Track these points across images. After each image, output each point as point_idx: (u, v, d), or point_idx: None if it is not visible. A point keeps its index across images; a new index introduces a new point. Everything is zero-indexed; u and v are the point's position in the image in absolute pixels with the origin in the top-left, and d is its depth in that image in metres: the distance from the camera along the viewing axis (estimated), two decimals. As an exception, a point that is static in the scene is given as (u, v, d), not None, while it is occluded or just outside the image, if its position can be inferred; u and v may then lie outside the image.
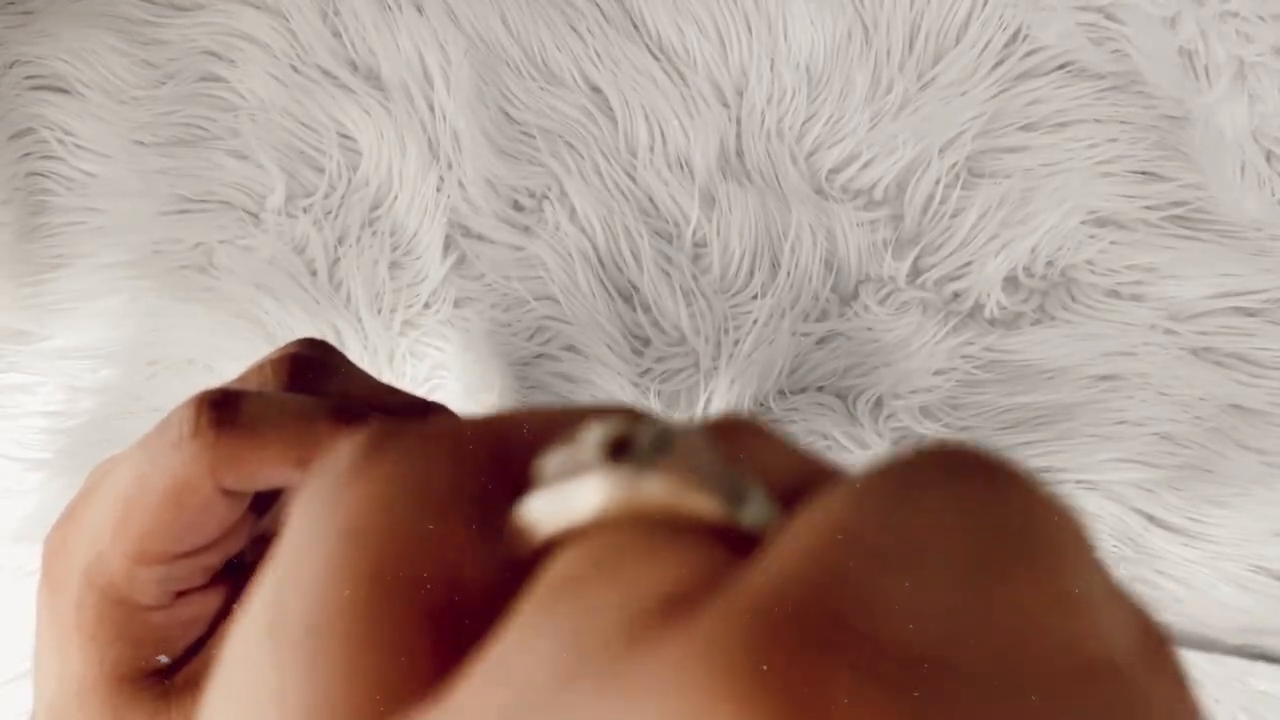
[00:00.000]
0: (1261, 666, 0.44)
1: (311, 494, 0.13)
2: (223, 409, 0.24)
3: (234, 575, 0.27)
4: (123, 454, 0.25)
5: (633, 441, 0.13)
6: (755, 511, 0.12)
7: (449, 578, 0.13)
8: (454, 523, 0.13)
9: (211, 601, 0.26)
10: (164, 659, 0.25)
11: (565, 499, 0.12)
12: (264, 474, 0.24)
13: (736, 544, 0.12)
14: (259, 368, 0.27)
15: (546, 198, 0.46)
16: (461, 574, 0.13)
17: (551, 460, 0.13)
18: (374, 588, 0.12)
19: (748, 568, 0.11)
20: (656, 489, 0.12)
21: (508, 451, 0.14)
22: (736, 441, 0.15)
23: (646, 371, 0.45)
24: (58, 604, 0.25)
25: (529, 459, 0.14)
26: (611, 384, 0.45)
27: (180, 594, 0.26)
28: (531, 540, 0.13)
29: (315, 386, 0.27)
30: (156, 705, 0.25)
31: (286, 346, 0.28)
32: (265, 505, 0.27)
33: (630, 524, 0.12)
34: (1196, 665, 0.44)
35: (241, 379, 0.27)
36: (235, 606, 0.26)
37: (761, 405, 0.45)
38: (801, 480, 0.14)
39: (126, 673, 0.25)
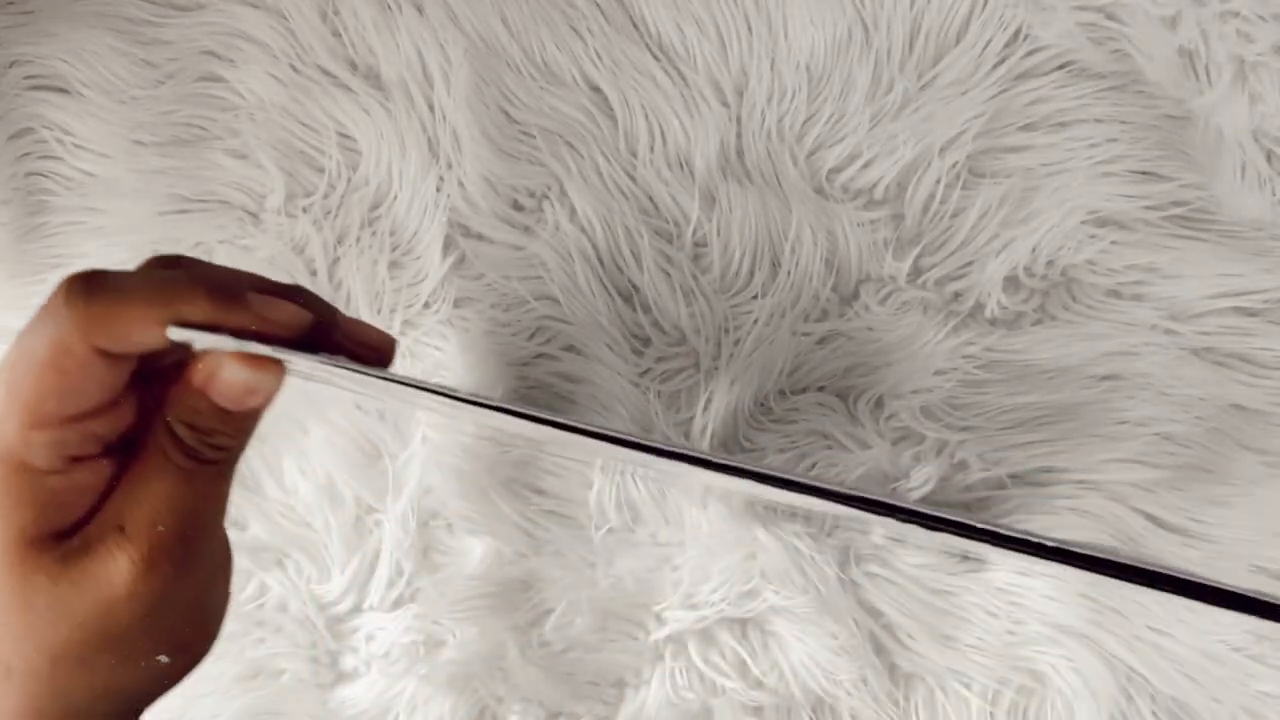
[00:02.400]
0: (1262, 667, 0.44)
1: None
2: (91, 278, 0.27)
3: (125, 449, 0.30)
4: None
5: None
6: None
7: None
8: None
9: (104, 469, 0.29)
10: (62, 522, 0.28)
11: None
12: (134, 333, 0.27)
13: None
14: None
15: (546, 197, 0.46)
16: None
17: None
18: None
19: None
20: None
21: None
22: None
23: (646, 371, 0.45)
24: None
25: None
26: (611, 384, 0.45)
27: (75, 460, 0.28)
28: None
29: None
30: (55, 568, 0.28)
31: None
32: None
33: None
34: (1197, 665, 0.44)
35: None
36: (126, 475, 0.29)
37: (762, 405, 0.45)
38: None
39: (28, 536, 0.28)
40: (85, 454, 0.29)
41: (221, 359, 0.28)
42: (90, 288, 0.27)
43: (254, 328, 0.28)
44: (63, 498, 0.28)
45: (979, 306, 0.45)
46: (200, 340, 0.28)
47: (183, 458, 0.29)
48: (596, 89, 0.46)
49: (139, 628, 0.28)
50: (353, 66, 0.46)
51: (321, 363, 0.29)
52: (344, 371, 0.29)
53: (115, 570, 0.27)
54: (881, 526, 0.43)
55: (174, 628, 0.29)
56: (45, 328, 0.27)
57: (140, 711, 0.31)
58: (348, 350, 0.32)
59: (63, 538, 0.28)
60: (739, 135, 0.45)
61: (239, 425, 0.30)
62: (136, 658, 0.29)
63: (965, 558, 0.45)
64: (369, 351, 0.33)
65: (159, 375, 0.30)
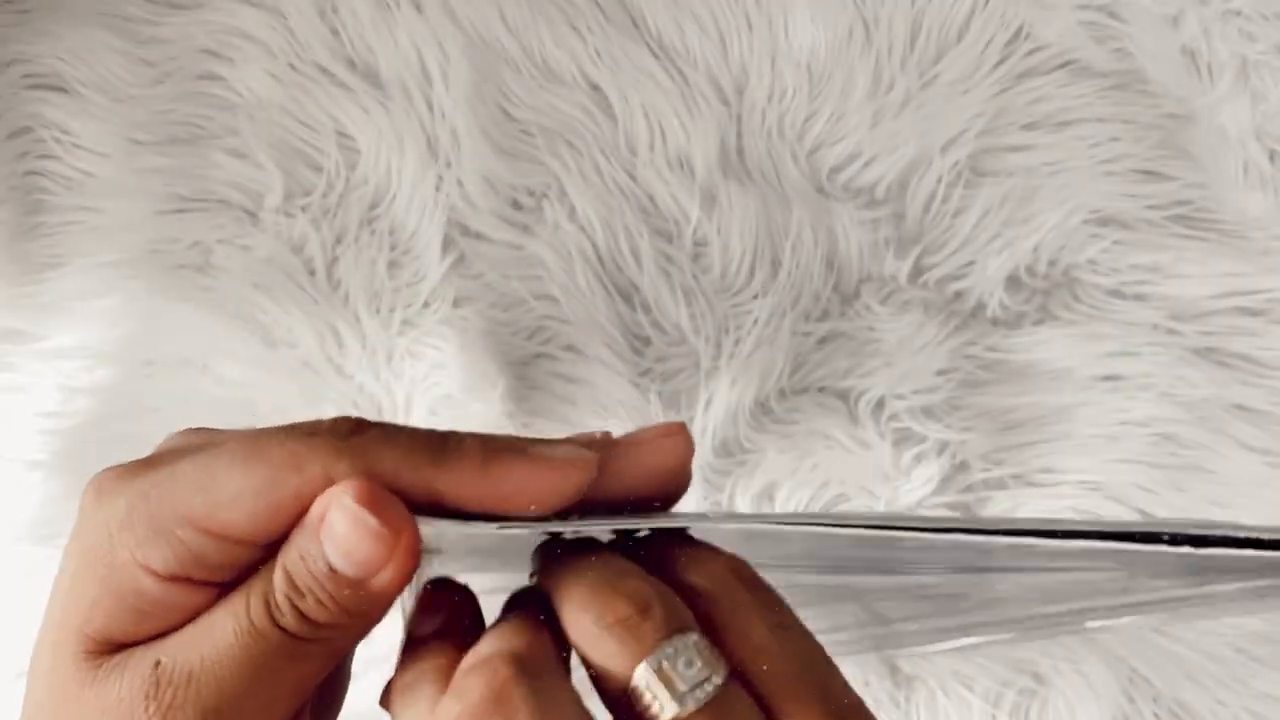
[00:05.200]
0: (1265, 669, 0.44)
1: None
2: (358, 421, 0.23)
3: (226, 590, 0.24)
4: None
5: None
6: None
7: None
8: None
9: (199, 600, 0.24)
10: (133, 634, 0.23)
11: None
12: (392, 466, 0.22)
13: None
14: None
15: (546, 196, 0.46)
16: None
17: None
18: None
19: None
20: None
21: None
22: None
23: (647, 371, 0.45)
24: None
25: None
26: (611, 384, 0.45)
27: (189, 579, 0.23)
28: None
29: None
30: (89, 674, 0.23)
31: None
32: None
33: None
34: (1199, 666, 0.44)
35: None
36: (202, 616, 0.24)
37: (762, 405, 0.45)
38: None
39: (94, 629, 0.23)
40: (198, 576, 0.23)
41: (340, 494, 0.22)
42: (361, 423, 0.23)
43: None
44: (152, 608, 0.23)
45: (980, 306, 0.45)
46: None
47: (259, 611, 0.23)
48: (596, 87, 0.45)
49: None
50: (351, 65, 0.46)
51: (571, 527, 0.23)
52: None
53: (126, 708, 0.23)
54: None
55: None
56: (298, 443, 0.23)
57: None
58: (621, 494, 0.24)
59: (119, 650, 0.24)
60: (739, 134, 0.45)
61: (351, 600, 0.23)
62: None
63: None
64: (657, 478, 0.25)
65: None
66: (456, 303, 0.46)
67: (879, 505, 0.44)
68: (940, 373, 0.44)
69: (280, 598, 0.22)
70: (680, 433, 0.25)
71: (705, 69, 0.45)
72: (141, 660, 0.23)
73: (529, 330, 0.46)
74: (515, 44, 0.45)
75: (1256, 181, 0.44)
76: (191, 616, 0.23)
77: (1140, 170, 0.44)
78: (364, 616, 0.23)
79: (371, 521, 0.21)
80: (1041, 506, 0.44)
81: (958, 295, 0.45)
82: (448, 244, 0.46)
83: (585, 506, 0.23)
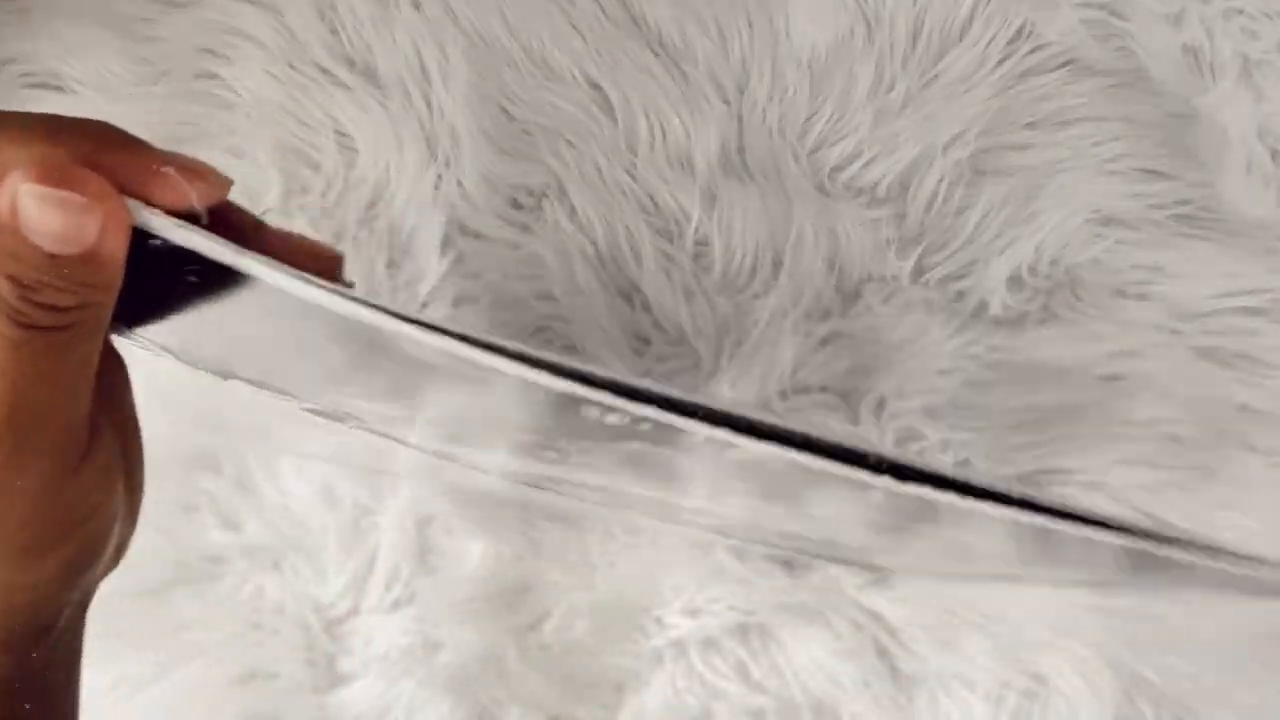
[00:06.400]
0: (1267, 669, 0.44)
1: None
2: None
3: None
4: None
5: None
6: None
7: None
8: None
9: None
10: None
11: None
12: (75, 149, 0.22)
13: None
14: None
15: (546, 196, 0.46)
16: None
17: None
18: None
19: None
20: None
21: None
22: None
23: (647, 372, 0.45)
24: None
25: None
26: (611, 384, 0.45)
27: None
28: None
29: None
30: None
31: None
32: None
33: None
34: (1201, 667, 0.44)
35: None
36: None
37: (764, 405, 0.45)
38: None
39: None
40: None
41: (18, 182, 0.21)
42: None
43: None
44: None
45: (983, 306, 0.45)
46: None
47: (6, 323, 0.22)
48: (596, 86, 0.45)
49: None
50: (350, 64, 0.46)
51: (249, 259, 0.23)
52: (282, 280, 0.23)
53: None
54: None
55: (28, 530, 0.24)
56: None
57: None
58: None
59: None
60: (740, 133, 0.45)
61: (78, 276, 0.22)
62: None
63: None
64: (309, 261, 0.26)
65: None
66: (456, 302, 0.46)
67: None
68: (942, 373, 0.44)
69: (15, 301, 0.22)
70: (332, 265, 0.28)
71: (706, 68, 0.45)
72: None
73: (529, 330, 0.46)
74: (515, 43, 0.45)
75: (1259, 180, 0.44)
76: None
77: (1143, 169, 0.44)
78: (107, 282, 0.23)
79: (64, 195, 0.21)
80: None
81: (960, 295, 0.45)
82: (447, 243, 0.46)
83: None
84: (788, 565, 0.44)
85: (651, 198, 0.45)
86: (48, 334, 0.22)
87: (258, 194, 0.46)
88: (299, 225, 0.46)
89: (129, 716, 0.45)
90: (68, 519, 0.25)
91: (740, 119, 0.45)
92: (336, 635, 0.46)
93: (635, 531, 0.45)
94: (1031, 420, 0.44)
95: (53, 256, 0.21)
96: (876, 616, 0.45)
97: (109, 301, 0.23)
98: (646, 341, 0.45)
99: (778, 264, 0.45)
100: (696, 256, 0.45)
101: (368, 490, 0.46)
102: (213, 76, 0.46)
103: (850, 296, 0.45)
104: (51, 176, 0.21)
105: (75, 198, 0.21)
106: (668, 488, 0.32)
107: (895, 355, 0.44)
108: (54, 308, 0.22)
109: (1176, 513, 0.44)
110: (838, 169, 0.45)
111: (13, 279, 0.22)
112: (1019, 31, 0.44)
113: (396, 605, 0.46)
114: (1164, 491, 0.44)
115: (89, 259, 0.22)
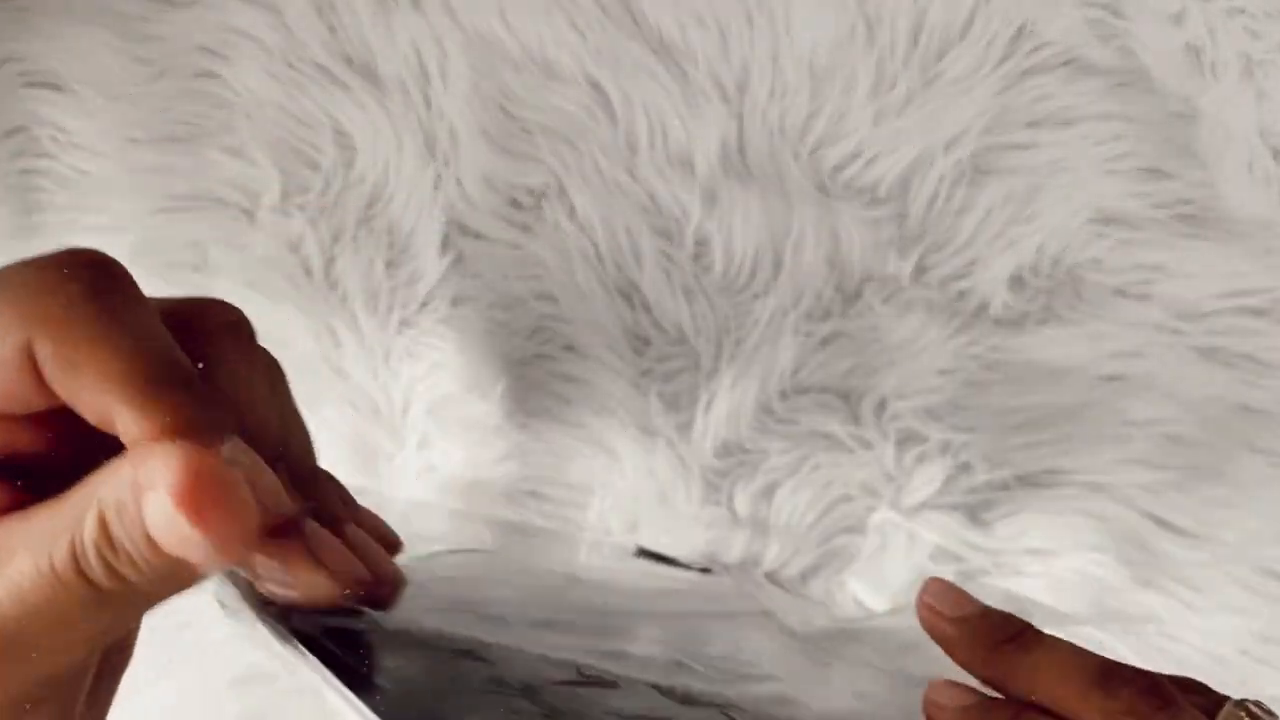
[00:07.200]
0: (1268, 670, 0.43)
1: None
2: (113, 275, 0.22)
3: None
4: None
5: None
6: None
7: None
8: None
9: None
10: None
11: None
12: (84, 396, 0.21)
13: None
14: None
15: (545, 195, 0.45)
16: None
17: None
18: None
19: None
20: None
21: None
22: None
23: (647, 372, 0.45)
24: None
25: None
26: (611, 384, 0.45)
27: None
28: None
29: None
30: None
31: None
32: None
33: None
34: (1202, 668, 0.44)
35: None
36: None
37: (764, 406, 0.45)
38: None
39: None
40: None
41: (159, 465, 0.19)
42: (104, 281, 0.21)
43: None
44: None
45: (983, 306, 0.45)
46: None
47: (63, 556, 0.20)
48: (596, 86, 0.45)
49: None
50: (349, 63, 0.46)
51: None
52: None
53: None
54: None
55: None
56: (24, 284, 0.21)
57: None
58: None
59: None
60: (740, 132, 0.45)
61: (167, 568, 0.20)
62: None
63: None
64: (375, 540, 0.27)
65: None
66: (455, 302, 0.45)
67: (882, 506, 0.44)
68: (943, 373, 0.44)
69: (89, 547, 0.20)
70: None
71: (706, 67, 0.45)
72: None
73: (528, 330, 0.46)
74: (514, 42, 0.45)
75: (1261, 180, 0.43)
76: None
77: (1144, 169, 0.44)
78: (179, 581, 0.21)
79: (195, 537, 0.19)
80: (1045, 508, 0.44)
81: (961, 295, 0.45)
82: (446, 243, 0.45)
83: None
84: None
85: (651, 198, 0.45)
86: (95, 591, 0.21)
87: (256, 194, 0.46)
88: (297, 224, 0.46)
89: (129, 716, 0.45)
90: None
91: (740, 119, 0.45)
92: (336, 635, 0.47)
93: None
94: (1032, 420, 0.44)
95: (151, 540, 0.20)
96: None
97: (177, 590, 0.22)
98: (646, 341, 0.45)
99: (778, 264, 0.45)
100: (696, 256, 0.45)
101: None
102: (211, 75, 0.46)
103: (850, 296, 0.45)
104: (194, 503, 0.19)
105: (197, 535, 0.19)
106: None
107: (895, 355, 0.44)
108: (119, 576, 0.20)
109: (1176, 513, 0.44)
110: (838, 168, 0.45)
111: (105, 526, 0.20)
112: (1020, 30, 0.44)
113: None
114: (1164, 491, 0.44)
115: (182, 564, 0.20)
